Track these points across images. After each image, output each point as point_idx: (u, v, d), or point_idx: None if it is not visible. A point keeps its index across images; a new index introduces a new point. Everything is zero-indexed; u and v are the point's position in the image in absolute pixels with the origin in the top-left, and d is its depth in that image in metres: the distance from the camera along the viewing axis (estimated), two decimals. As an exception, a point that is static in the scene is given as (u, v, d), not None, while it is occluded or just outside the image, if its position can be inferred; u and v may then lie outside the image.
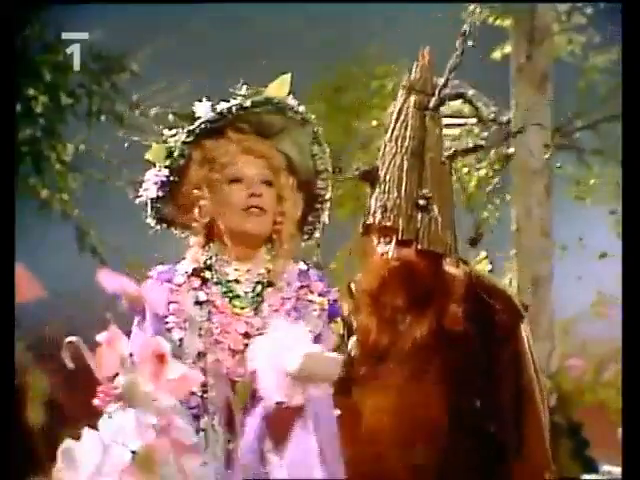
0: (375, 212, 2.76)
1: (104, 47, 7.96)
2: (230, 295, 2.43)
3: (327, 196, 2.59)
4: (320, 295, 2.48)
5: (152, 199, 2.54)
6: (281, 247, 2.47)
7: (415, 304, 2.71)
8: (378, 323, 2.72)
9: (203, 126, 2.43)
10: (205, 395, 2.27)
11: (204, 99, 2.47)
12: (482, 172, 6.07)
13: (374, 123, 7.46)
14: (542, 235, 7.55)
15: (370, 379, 2.70)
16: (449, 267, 2.77)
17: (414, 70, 2.87)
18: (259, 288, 2.44)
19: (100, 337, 1.26)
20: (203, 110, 2.45)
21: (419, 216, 2.71)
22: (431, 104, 2.81)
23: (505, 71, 7.63)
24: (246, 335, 2.37)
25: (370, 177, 2.83)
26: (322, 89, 7.45)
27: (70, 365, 1.36)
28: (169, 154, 2.45)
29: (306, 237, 2.61)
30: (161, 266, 2.48)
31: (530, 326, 2.87)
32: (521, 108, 7.18)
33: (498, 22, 7.79)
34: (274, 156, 2.45)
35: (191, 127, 2.45)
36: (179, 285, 2.45)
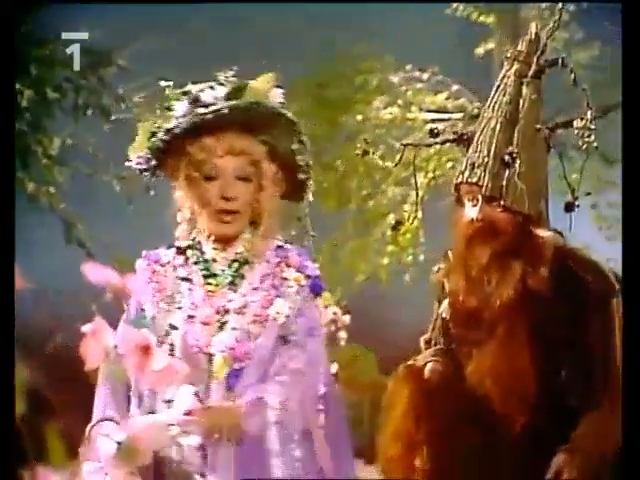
0: (464, 170, 2.82)
1: (93, 43, 7.93)
2: (206, 273, 2.45)
3: (308, 190, 2.56)
4: (298, 270, 2.46)
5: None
6: (260, 229, 2.47)
7: (500, 263, 2.72)
8: (466, 284, 2.75)
9: (181, 125, 2.42)
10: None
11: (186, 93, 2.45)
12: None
13: (359, 117, 7.47)
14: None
15: (465, 342, 2.73)
16: (538, 231, 2.81)
17: (520, 43, 2.97)
18: (236, 266, 2.45)
19: (85, 328, 1.25)
20: (182, 109, 2.45)
21: (505, 174, 2.75)
22: (530, 72, 2.89)
23: (489, 66, 7.64)
24: (218, 311, 2.39)
25: (465, 141, 2.91)
26: (308, 85, 7.45)
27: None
28: (148, 140, 2.46)
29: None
30: (144, 252, 2.51)
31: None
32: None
33: (482, 19, 7.80)
34: (254, 150, 2.43)
35: (170, 126, 2.44)
36: (163, 265, 2.48)
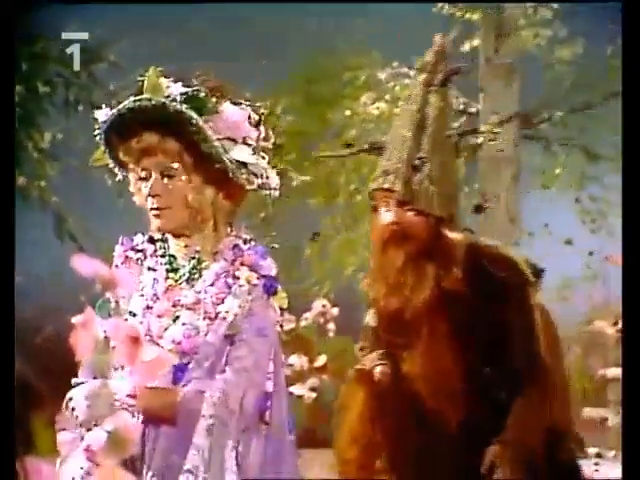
0: (378, 177, 2.84)
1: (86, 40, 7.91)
2: (168, 267, 2.47)
3: (242, 181, 2.52)
4: (252, 269, 2.44)
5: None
6: (207, 226, 2.47)
7: (414, 266, 2.75)
8: (385, 289, 2.77)
9: (100, 132, 2.47)
10: None
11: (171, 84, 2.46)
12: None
13: (347, 113, 7.47)
14: (509, 222, 7.58)
15: (395, 346, 2.75)
16: (449, 232, 2.82)
17: (427, 54, 2.99)
18: (194, 262, 2.46)
19: (75, 320, 1.24)
20: (101, 117, 2.48)
21: (416, 178, 2.77)
22: (436, 80, 2.92)
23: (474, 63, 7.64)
24: (174, 305, 2.40)
25: (378, 149, 2.96)
26: (298, 81, 7.45)
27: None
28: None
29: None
30: (121, 237, 2.55)
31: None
32: (489, 99, 7.19)
33: (467, 16, 7.80)
34: (167, 147, 2.42)
35: (94, 133, 2.49)
36: (136, 252, 2.52)
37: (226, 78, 2.52)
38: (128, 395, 2.26)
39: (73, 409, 2.19)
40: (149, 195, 2.43)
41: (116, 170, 2.54)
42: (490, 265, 2.79)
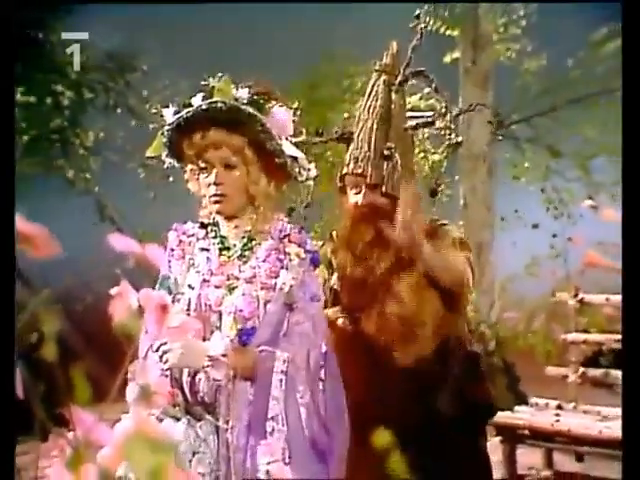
0: (349, 163, 2.84)
1: (120, 49, 7.89)
2: (221, 246, 2.47)
3: (294, 173, 2.53)
4: (299, 246, 2.46)
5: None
6: (259, 210, 2.47)
7: (380, 240, 2.75)
8: (352, 259, 2.77)
9: (169, 130, 2.45)
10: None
11: (199, 94, 2.44)
12: (435, 157, 6.04)
13: (345, 115, 7.44)
14: (485, 209, 7.56)
15: (355, 307, 2.74)
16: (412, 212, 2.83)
17: (384, 56, 2.98)
18: (245, 241, 2.46)
19: (113, 291, 1.23)
20: (168, 115, 2.46)
21: (384, 165, 2.77)
22: (397, 80, 2.90)
23: (454, 72, 7.61)
24: (229, 278, 2.40)
25: (346, 138, 2.93)
26: (301, 86, 7.41)
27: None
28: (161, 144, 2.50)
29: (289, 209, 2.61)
30: (175, 224, 2.55)
31: (474, 284, 2.88)
32: (467, 103, 7.16)
33: (448, 32, 7.76)
34: (233, 142, 2.42)
35: (163, 130, 2.46)
36: (188, 236, 2.51)
37: (239, 83, 2.51)
38: (223, 355, 2.27)
39: (165, 353, 2.23)
40: (213, 183, 2.42)
41: (169, 160, 2.51)
42: (434, 237, 2.84)
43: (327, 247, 2.88)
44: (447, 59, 7.90)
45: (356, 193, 2.80)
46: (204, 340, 2.33)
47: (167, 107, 2.47)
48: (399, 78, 2.91)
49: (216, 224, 2.50)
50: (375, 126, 2.84)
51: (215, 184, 2.42)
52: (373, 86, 2.94)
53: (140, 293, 1.43)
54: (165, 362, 2.25)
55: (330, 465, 2.29)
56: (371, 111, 2.87)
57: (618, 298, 5.35)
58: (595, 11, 7.06)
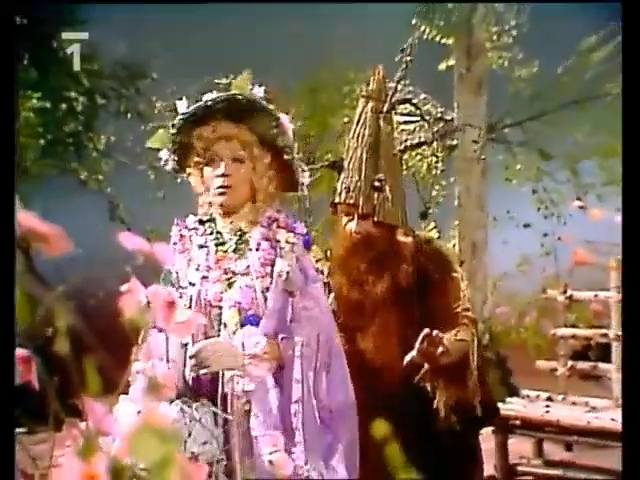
0: (341, 193, 2.80)
1: (128, 57, 7.89)
2: (217, 242, 2.43)
3: (301, 174, 2.52)
4: (289, 231, 2.41)
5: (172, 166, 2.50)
6: (257, 206, 2.44)
7: (374, 266, 2.72)
8: (347, 283, 2.73)
9: (182, 119, 2.41)
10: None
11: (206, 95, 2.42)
12: (432, 159, 6.04)
13: (345, 120, 7.43)
14: (479, 209, 7.55)
15: (350, 328, 2.70)
16: (400, 236, 2.79)
17: (370, 82, 2.92)
18: (239, 234, 2.43)
19: (123, 287, 1.22)
20: (181, 107, 2.43)
21: (375, 195, 2.73)
22: (384, 108, 2.85)
23: (449, 79, 7.60)
24: (226, 272, 2.37)
25: (337, 166, 2.89)
26: (303, 91, 7.41)
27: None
28: (170, 141, 2.46)
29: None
30: (175, 219, 2.52)
31: (468, 281, 2.87)
32: (462, 109, 7.15)
33: (443, 40, 7.75)
34: (243, 136, 2.40)
35: (174, 121, 2.43)
36: (189, 230, 2.48)
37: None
38: (264, 352, 2.26)
39: (196, 357, 2.20)
40: (221, 175, 2.38)
41: (169, 154, 2.46)
42: (425, 258, 2.79)
43: (324, 266, 2.81)
44: (442, 66, 7.88)
45: (349, 220, 2.77)
46: (206, 337, 2.31)
47: (180, 99, 2.45)
48: (386, 105, 2.86)
49: (213, 220, 2.47)
50: (365, 155, 2.78)
51: (223, 175, 2.38)
52: (361, 114, 2.87)
53: (148, 290, 1.42)
54: (204, 367, 2.22)
55: (342, 438, 2.28)
56: (360, 140, 2.82)
57: (605, 294, 5.34)
58: (584, 20, 7.07)
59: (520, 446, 5.32)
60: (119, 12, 6.85)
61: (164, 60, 7.59)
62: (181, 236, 2.47)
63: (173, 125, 2.43)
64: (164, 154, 2.48)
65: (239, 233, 2.43)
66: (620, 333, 5.07)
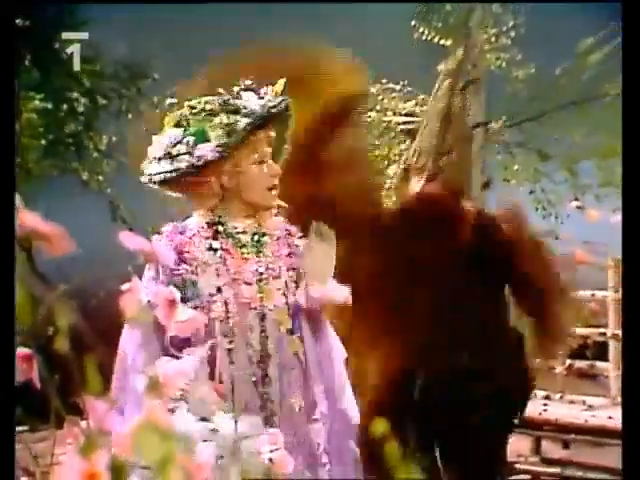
0: (413, 155, 2.98)
1: (129, 58, 7.88)
2: (238, 244, 2.43)
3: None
4: (301, 237, 2.50)
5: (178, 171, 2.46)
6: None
7: (438, 226, 2.88)
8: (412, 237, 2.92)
9: (252, 121, 2.39)
10: (228, 322, 2.29)
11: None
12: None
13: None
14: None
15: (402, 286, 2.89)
16: (465, 202, 2.98)
17: (449, 62, 3.12)
18: (257, 237, 2.45)
19: (124, 286, 1.22)
20: (252, 99, 2.41)
21: (442, 159, 2.93)
22: (457, 86, 3.06)
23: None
24: (255, 272, 2.40)
25: (411, 133, 3.10)
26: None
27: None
28: (227, 134, 2.38)
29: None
30: (172, 223, 2.49)
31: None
32: (460, 109, 7.16)
33: (442, 41, 7.75)
34: (272, 139, 2.46)
35: (249, 120, 2.38)
36: (190, 237, 2.44)
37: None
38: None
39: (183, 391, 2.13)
40: (272, 175, 2.42)
41: (217, 147, 2.39)
42: (484, 225, 2.97)
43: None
44: (440, 67, 7.89)
45: (418, 182, 2.94)
46: (247, 339, 2.34)
47: (247, 90, 2.43)
48: (460, 84, 3.08)
49: (224, 223, 2.46)
50: (437, 125, 2.99)
51: (273, 175, 2.43)
52: (438, 89, 3.09)
53: (150, 289, 1.42)
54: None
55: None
56: (435, 111, 3.05)
57: (603, 294, 5.34)
58: (583, 20, 7.07)
59: (518, 444, 5.31)
60: (119, 12, 6.84)
61: (164, 60, 7.59)
62: (180, 242, 2.44)
63: (249, 124, 2.37)
64: (216, 147, 2.39)
65: (256, 236, 2.45)
66: (617, 332, 5.07)
